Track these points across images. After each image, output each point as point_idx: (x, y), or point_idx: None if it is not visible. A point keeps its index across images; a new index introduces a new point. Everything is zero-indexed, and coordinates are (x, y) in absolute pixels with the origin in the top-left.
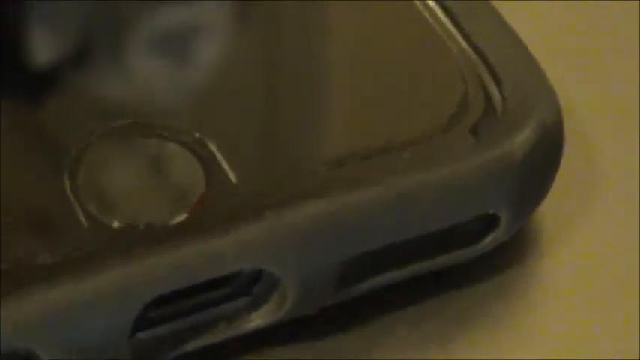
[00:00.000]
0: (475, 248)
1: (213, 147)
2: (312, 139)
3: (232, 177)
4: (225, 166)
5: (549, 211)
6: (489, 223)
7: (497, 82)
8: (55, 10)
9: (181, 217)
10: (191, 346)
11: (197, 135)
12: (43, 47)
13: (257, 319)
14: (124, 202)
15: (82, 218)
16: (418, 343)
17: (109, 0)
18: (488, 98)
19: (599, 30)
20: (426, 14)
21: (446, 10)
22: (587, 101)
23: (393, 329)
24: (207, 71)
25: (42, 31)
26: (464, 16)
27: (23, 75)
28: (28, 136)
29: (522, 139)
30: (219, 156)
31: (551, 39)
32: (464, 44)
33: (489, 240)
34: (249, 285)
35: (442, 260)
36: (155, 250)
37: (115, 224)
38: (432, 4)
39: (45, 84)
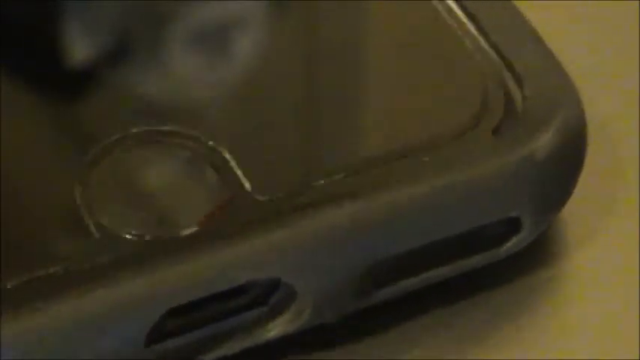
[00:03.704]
0: (498, 252)
1: (226, 155)
2: (328, 145)
3: (247, 185)
4: (239, 173)
5: (575, 212)
6: (512, 226)
7: (519, 82)
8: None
9: (196, 227)
10: (208, 356)
11: (210, 143)
12: (62, 54)
13: (275, 329)
14: (136, 212)
15: (93, 229)
16: (443, 346)
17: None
18: (509, 99)
19: (600, 29)
20: (446, 14)
21: (466, 10)
22: (607, 101)
23: (418, 334)
24: (218, 80)
25: (63, 37)
26: (484, 15)
27: (35, 81)
28: (37, 148)
29: (544, 140)
30: (233, 164)
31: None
32: (484, 44)
33: (512, 243)
34: (267, 294)
35: (464, 265)
36: (169, 261)
37: (128, 235)
38: (451, 4)
39: (56, 91)
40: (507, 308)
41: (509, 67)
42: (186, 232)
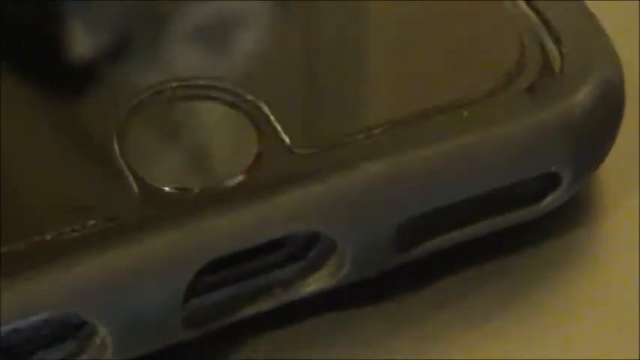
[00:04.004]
0: (537, 208)
1: (266, 109)
2: (367, 100)
3: (286, 139)
4: (278, 128)
5: (609, 173)
6: (551, 182)
7: (556, 39)
8: None
9: (235, 181)
10: (246, 312)
11: (249, 97)
12: (96, 14)
13: (313, 284)
14: (175, 166)
15: (132, 183)
16: (474, 308)
17: None
18: (546, 56)
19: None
20: None
21: None
22: None
23: (454, 296)
24: (257, 35)
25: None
26: None
27: (72, 40)
28: (77, 102)
29: (582, 96)
30: (272, 118)
31: None
32: (522, 3)
33: (551, 199)
34: (306, 249)
35: (504, 220)
36: (208, 214)
37: (167, 188)
38: None
39: (94, 48)
40: (540, 268)
41: (547, 25)
42: (226, 185)
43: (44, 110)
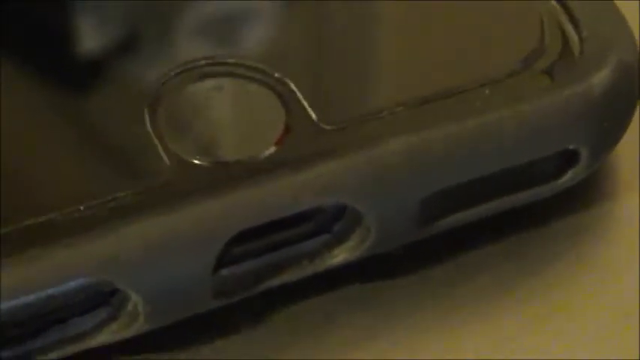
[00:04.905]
0: (556, 184)
1: (293, 86)
2: (392, 78)
3: (313, 114)
4: (305, 104)
5: (627, 151)
6: (570, 159)
7: (575, 23)
8: None
9: (263, 155)
10: (273, 282)
11: (277, 74)
12: None
13: (339, 256)
14: (205, 140)
15: (164, 156)
16: (495, 285)
17: None
18: (565, 40)
19: None
20: None
21: None
22: None
23: (471, 271)
24: (284, 12)
25: None
26: None
27: (104, 15)
28: (110, 76)
29: (601, 76)
30: (299, 94)
31: None
32: None
33: (569, 176)
34: (332, 222)
35: (523, 197)
36: (238, 186)
37: (197, 161)
38: None
39: (127, 24)
40: (558, 245)
41: (567, 9)
42: (254, 159)
43: (80, 86)
